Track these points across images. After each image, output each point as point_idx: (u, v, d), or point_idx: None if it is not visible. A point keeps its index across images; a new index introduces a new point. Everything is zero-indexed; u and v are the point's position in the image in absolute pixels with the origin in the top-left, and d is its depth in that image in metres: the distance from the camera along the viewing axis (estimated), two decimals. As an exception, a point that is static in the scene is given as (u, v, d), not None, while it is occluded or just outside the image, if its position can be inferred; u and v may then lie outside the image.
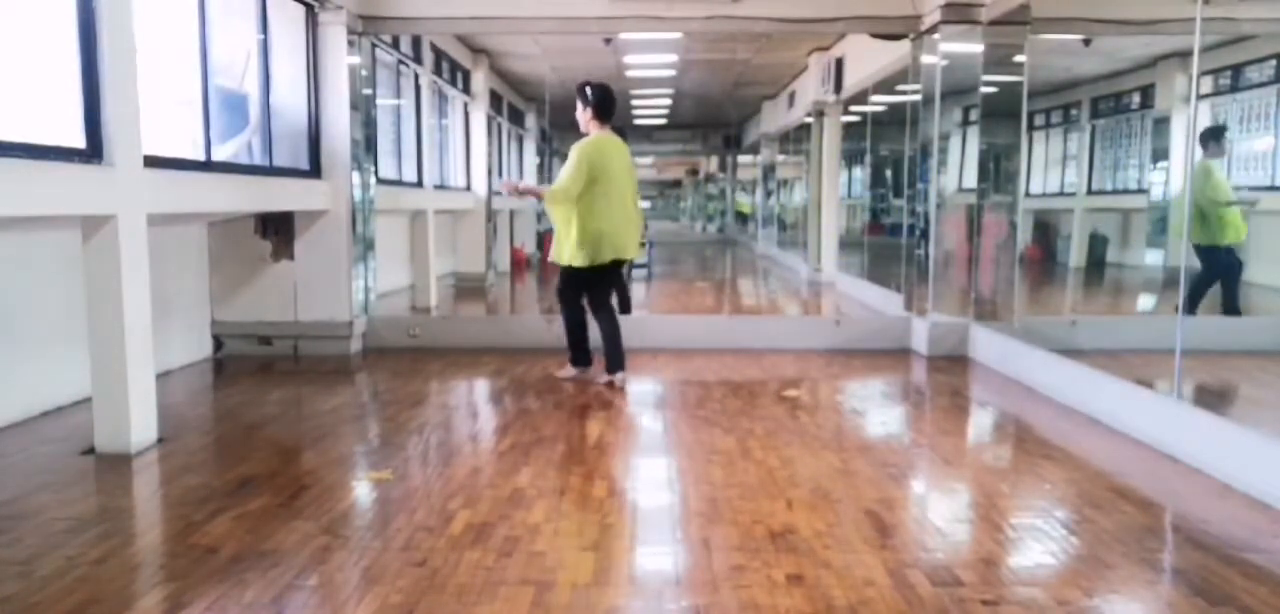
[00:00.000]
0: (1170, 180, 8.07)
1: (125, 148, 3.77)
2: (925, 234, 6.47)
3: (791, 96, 13.74)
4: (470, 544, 2.79)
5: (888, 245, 9.25)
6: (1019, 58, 6.02)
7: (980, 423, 4.72)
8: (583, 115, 5.10)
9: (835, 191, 11.66)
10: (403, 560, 2.67)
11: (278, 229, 6.22)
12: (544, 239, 14.37)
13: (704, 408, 4.70)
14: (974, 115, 6.23)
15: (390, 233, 8.67)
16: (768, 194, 18.01)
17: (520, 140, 15.57)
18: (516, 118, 14.82)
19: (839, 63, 10.38)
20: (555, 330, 6.56)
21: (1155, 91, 8.97)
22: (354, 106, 6.31)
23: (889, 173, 10.43)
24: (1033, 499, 3.35)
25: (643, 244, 5.44)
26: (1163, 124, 8.66)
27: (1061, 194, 11.54)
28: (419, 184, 9.12)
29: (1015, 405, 4.91)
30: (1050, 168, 11.57)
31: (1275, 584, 2.55)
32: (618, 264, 5.23)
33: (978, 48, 6.08)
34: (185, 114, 4.97)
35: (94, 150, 3.68)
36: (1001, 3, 5.90)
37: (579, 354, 5.36)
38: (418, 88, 9.16)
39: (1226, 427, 3.61)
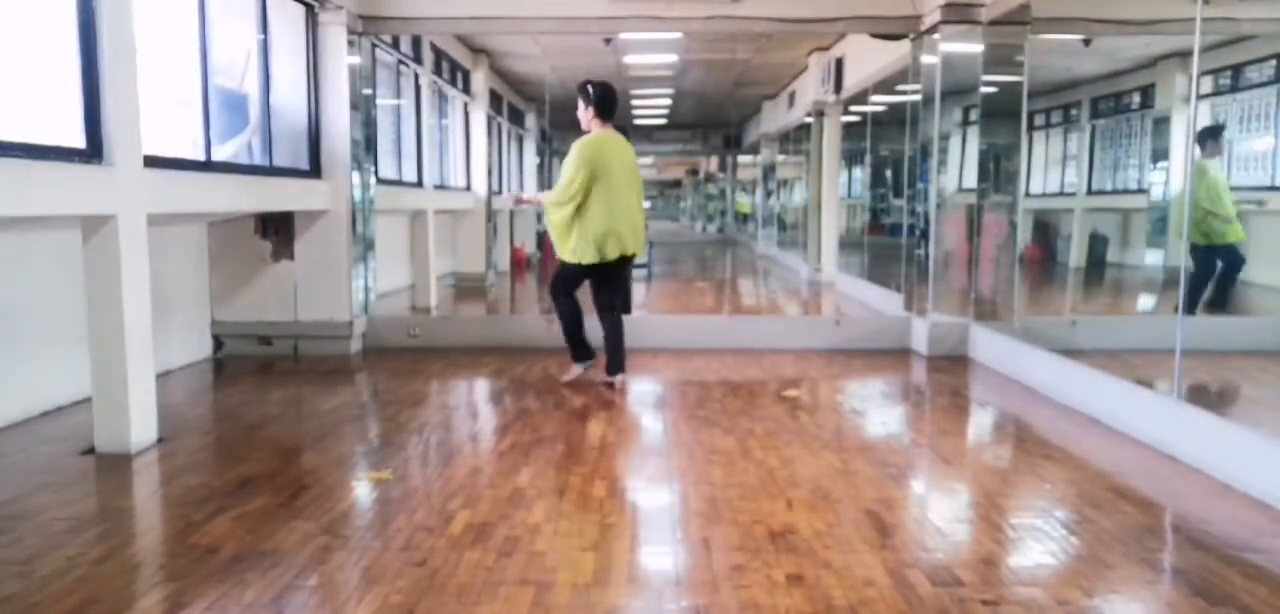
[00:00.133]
0: (1170, 180, 8.07)
1: (125, 148, 3.77)
2: (925, 234, 6.47)
3: (791, 96, 13.74)
4: (470, 544, 2.79)
5: (888, 245, 9.25)
6: (1019, 58, 6.02)
7: (980, 423, 4.72)
8: (584, 114, 5.10)
9: (835, 191, 11.66)
10: (403, 560, 2.67)
11: (278, 229, 6.22)
12: (544, 239, 14.37)
13: (704, 408, 4.70)
14: (974, 115, 6.23)
15: (390, 233, 8.67)
16: (768, 194, 18.01)
17: (520, 140, 15.57)
18: (516, 118, 14.82)
19: (839, 63, 10.38)
20: (555, 330, 6.55)
21: (1155, 91, 8.96)
22: (354, 106, 6.31)
23: (889, 173, 10.43)
24: (1033, 499, 3.35)
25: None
26: (1163, 124, 8.66)
27: (1061, 194, 11.53)
28: (419, 184, 9.12)
29: (1015, 405, 4.91)
30: (1050, 168, 11.56)
31: (1275, 584, 2.55)
32: (625, 261, 5.14)
33: (978, 48, 6.08)
34: (185, 114, 4.97)
35: (94, 150, 3.68)
36: (1001, 3, 5.90)
37: (580, 350, 5.30)
38: (418, 88, 9.16)
39: (1226, 427, 3.61)
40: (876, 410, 5.00)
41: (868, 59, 8.75)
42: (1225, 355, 5.79)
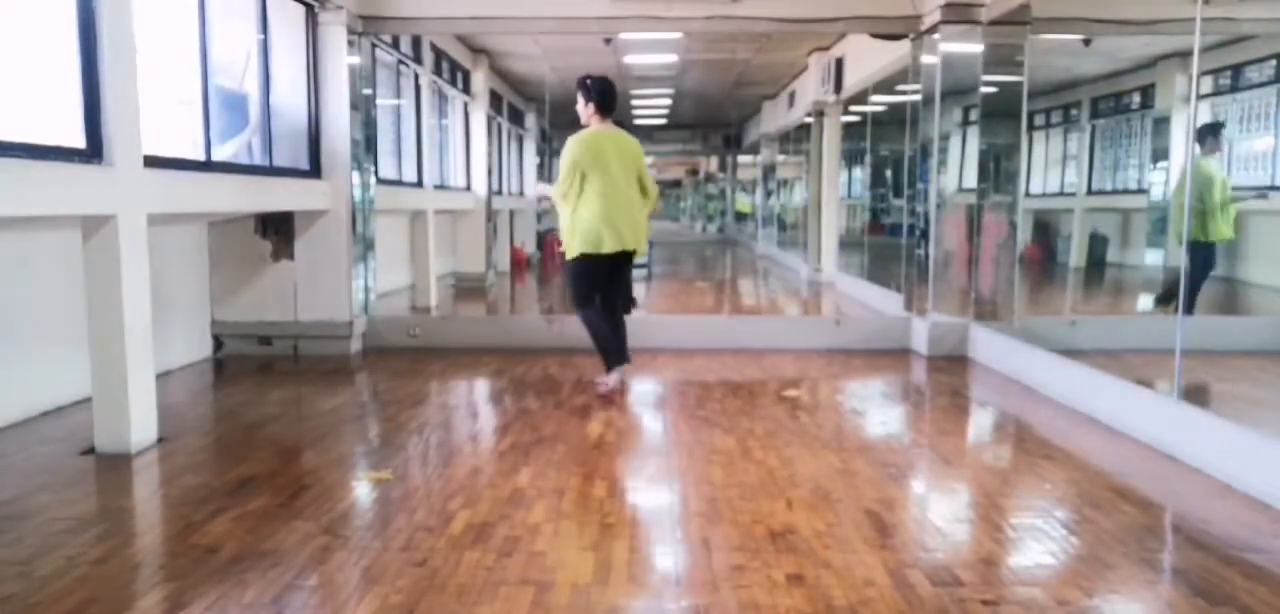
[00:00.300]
0: (1170, 180, 8.07)
1: (125, 148, 3.77)
2: (925, 234, 6.47)
3: (791, 96, 13.74)
4: (470, 544, 2.79)
5: (888, 245, 9.25)
6: (1019, 58, 6.01)
7: (980, 423, 4.72)
8: (584, 110, 5.08)
9: (835, 191, 11.66)
10: (403, 560, 2.67)
11: (278, 229, 6.22)
12: (544, 239, 14.40)
13: (704, 408, 4.70)
14: (974, 115, 6.23)
15: (390, 233, 8.67)
16: (768, 194, 18.01)
17: (520, 140, 15.57)
18: (516, 118, 14.82)
19: (839, 63, 10.38)
20: (555, 330, 6.58)
21: (1155, 91, 8.96)
22: (354, 106, 6.31)
23: (889, 173, 10.43)
24: (1033, 499, 3.35)
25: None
26: (1163, 124, 8.66)
27: (1061, 194, 11.53)
28: (419, 184, 9.12)
29: (1015, 405, 4.91)
30: (1050, 168, 11.57)
31: (1275, 584, 2.55)
32: (625, 257, 5.05)
33: (978, 48, 6.08)
34: (185, 114, 4.97)
35: (94, 150, 3.68)
36: (1001, 3, 5.90)
37: (611, 357, 5.08)
38: (418, 88, 9.16)
39: (1226, 427, 3.61)
40: (876, 410, 5.00)
41: (868, 59, 8.75)
42: (1225, 355, 5.79)
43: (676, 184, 30.45)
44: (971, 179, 6.27)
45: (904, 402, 5.21)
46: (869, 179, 10.91)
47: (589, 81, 5.04)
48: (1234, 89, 7.59)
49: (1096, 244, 10.67)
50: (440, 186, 10.11)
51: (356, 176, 6.38)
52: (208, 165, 5.04)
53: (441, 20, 7.17)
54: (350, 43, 6.27)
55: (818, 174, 11.92)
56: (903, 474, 3.63)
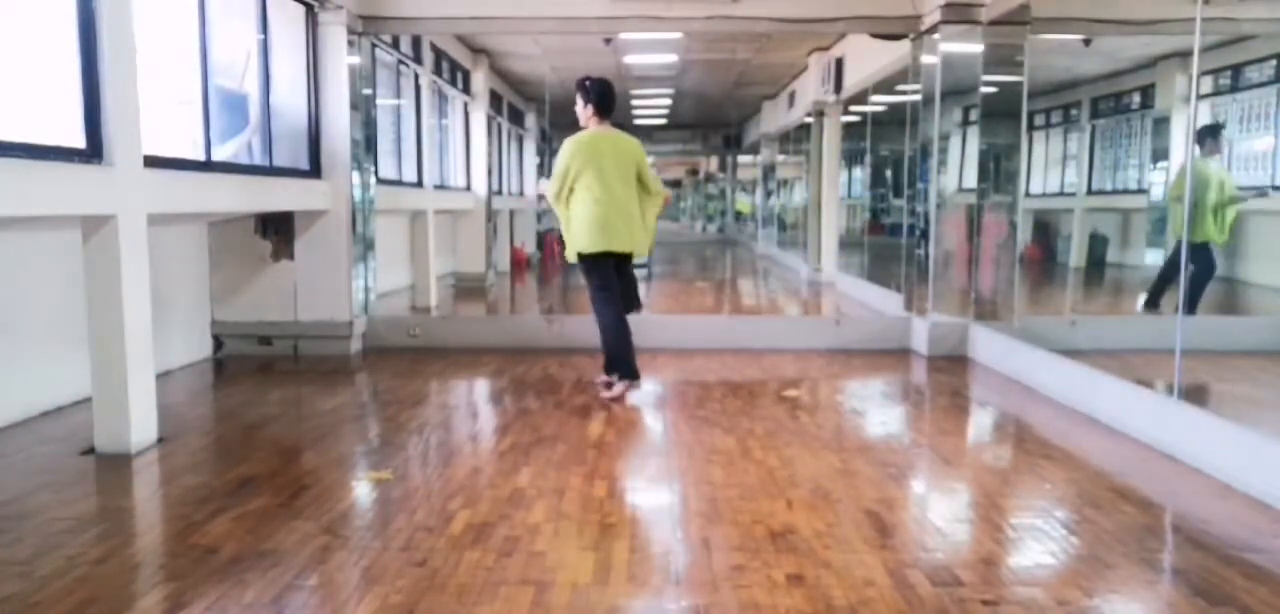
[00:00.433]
0: (1170, 180, 8.07)
1: (125, 148, 3.77)
2: (925, 234, 6.47)
3: (791, 96, 13.74)
4: (470, 544, 2.79)
5: (888, 245, 9.25)
6: (1019, 58, 6.02)
7: (980, 423, 4.72)
8: (583, 112, 5.08)
9: (835, 191, 11.66)
10: (403, 560, 2.67)
11: (278, 229, 6.22)
12: (544, 239, 14.40)
13: (704, 408, 4.70)
14: (974, 115, 6.23)
15: (390, 233, 8.67)
16: (768, 194, 18.01)
17: (520, 140, 15.57)
18: (516, 118, 14.82)
19: (839, 63, 10.38)
20: (555, 330, 6.58)
21: (1155, 91, 8.97)
22: (354, 106, 6.31)
23: (889, 173, 10.43)
24: (1033, 499, 3.35)
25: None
26: (1163, 124, 8.66)
27: (1061, 194, 11.53)
28: (419, 184, 9.12)
29: (1015, 405, 4.91)
30: (1050, 168, 11.57)
31: (1275, 584, 2.55)
32: (622, 258, 5.01)
33: (978, 48, 6.08)
34: (185, 114, 4.97)
35: (94, 150, 3.68)
36: (1001, 3, 5.90)
37: (623, 366, 4.91)
38: (418, 88, 9.16)
39: (1226, 427, 3.61)
40: (876, 410, 5.00)
41: (868, 59, 8.75)
42: (1225, 355, 5.79)
43: (676, 184, 30.45)
44: (971, 179, 6.27)
45: (904, 401, 5.21)
46: (869, 179, 10.91)
47: (588, 83, 5.03)
48: (1234, 89, 7.59)
49: (1096, 244, 10.67)
50: (440, 187, 10.11)
51: (356, 176, 6.38)
52: (208, 165, 5.04)
53: (441, 20, 7.17)
54: (350, 43, 6.27)
55: (818, 174, 11.92)
56: (903, 474, 3.63)
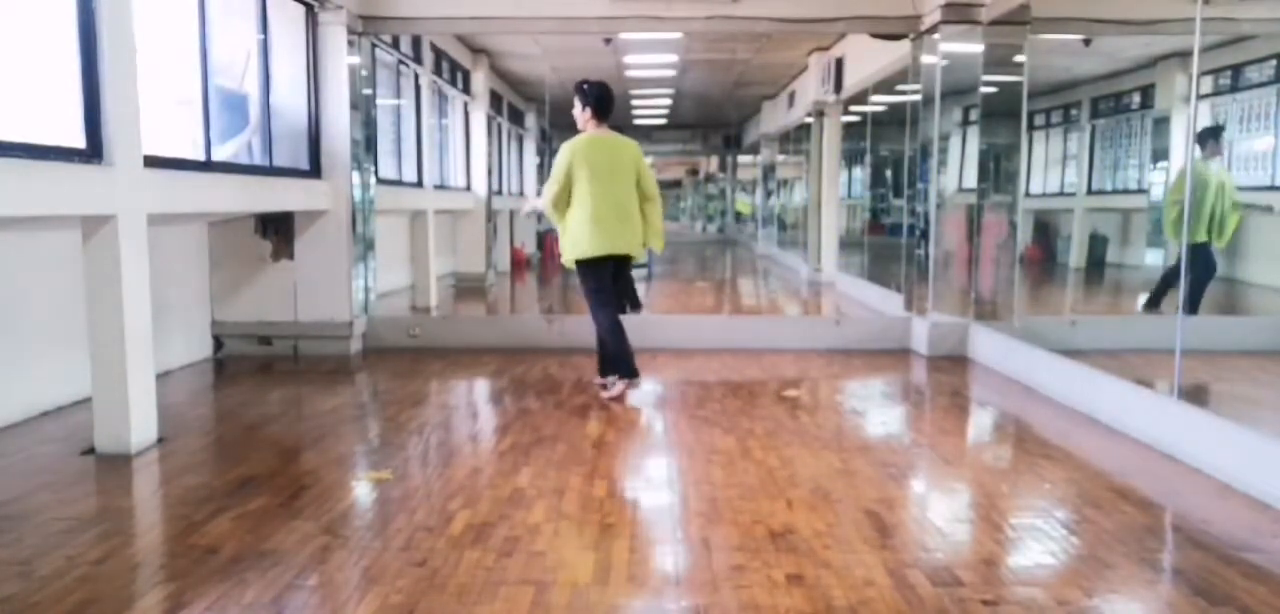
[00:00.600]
0: (1170, 180, 8.07)
1: (125, 148, 3.77)
2: (925, 234, 6.47)
3: (791, 96, 13.74)
4: (470, 544, 2.79)
5: (888, 245, 9.25)
6: (1019, 58, 6.02)
7: (980, 423, 4.72)
8: (581, 114, 5.07)
9: (835, 191, 11.66)
10: (403, 560, 2.67)
11: (278, 229, 6.22)
12: (544, 239, 14.39)
13: (704, 408, 4.70)
14: (974, 115, 6.23)
15: (390, 233, 8.67)
16: (768, 194, 18.01)
17: (520, 140, 15.57)
18: (516, 118, 14.82)
19: (839, 63, 10.38)
20: (555, 330, 6.58)
21: (1155, 91, 8.97)
22: (354, 106, 6.31)
23: (889, 173, 10.43)
24: (1033, 499, 3.35)
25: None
26: (1163, 124, 8.66)
27: (1061, 194, 11.54)
28: (419, 184, 9.12)
29: (1015, 405, 4.91)
30: (1050, 168, 11.57)
31: (1275, 584, 2.55)
32: (620, 261, 5.00)
33: (978, 48, 6.08)
34: (185, 114, 4.97)
35: (94, 150, 3.68)
36: (1001, 3, 5.90)
37: (623, 366, 4.89)
38: (418, 88, 9.16)
39: (1226, 427, 3.61)
40: (876, 410, 5.00)
41: (868, 59, 8.75)
42: (1225, 355, 5.79)
43: (676, 184, 30.47)
44: (971, 179, 6.27)
45: (904, 401, 5.21)
46: (869, 179, 10.91)
47: (586, 86, 5.02)
48: (1234, 89, 7.60)
49: (1096, 244, 10.68)
50: (440, 187, 10.11)
51: (356, 177, 6.38)
52: (208, 165, 5.03)
53: (441, 20, 7.17)
54: (350, 43, 6.27)
55: (818, 174, 11.92)
56: (903, 474, 3.63)
